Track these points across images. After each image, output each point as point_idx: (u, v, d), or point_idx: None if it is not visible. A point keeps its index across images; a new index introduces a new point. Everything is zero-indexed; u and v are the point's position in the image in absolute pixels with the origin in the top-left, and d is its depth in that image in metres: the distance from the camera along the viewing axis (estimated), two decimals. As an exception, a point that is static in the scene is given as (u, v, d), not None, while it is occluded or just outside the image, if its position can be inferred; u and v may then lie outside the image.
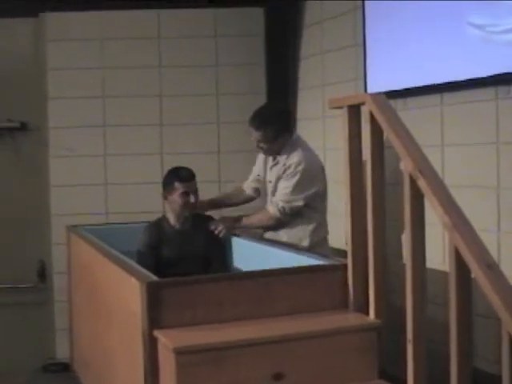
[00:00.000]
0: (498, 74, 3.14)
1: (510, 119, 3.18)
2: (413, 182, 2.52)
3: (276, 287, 2.86)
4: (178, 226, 3.77)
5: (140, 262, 3.35)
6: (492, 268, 2.18)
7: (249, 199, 4.14)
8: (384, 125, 2.69)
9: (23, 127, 4.94)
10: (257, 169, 4.05)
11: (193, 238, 3.76)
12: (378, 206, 2.80)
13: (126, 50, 4.91)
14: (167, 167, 4.89)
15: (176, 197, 3.68)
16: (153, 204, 4.84)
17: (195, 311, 2.76)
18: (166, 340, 2.62)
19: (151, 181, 4.91)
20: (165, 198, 3.74)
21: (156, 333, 2.68)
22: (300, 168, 3.68)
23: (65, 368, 4.80)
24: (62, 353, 4.88)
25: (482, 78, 3.23)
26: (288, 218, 3.73)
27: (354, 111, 2.88)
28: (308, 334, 2.72)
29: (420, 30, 3.63)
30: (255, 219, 3.85)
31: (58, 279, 4.87)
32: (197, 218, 3.83)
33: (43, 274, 4.98)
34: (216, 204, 4.17)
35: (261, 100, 4.87)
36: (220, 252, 3.86)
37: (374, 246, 2.81)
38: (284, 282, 2.88)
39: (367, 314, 2.87)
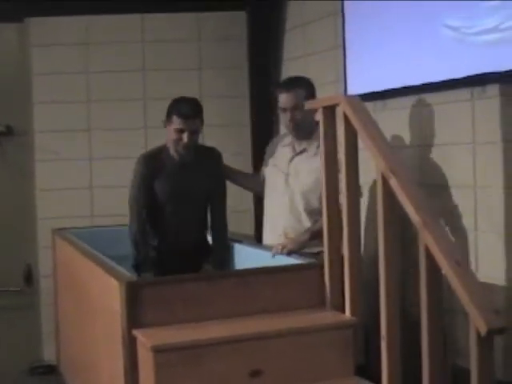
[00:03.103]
0: (474, 75, 3.18)
1: (486, 119, 3.22)
2: (385, 181, 2.57)
3: (254, 286, 2.90)
4: (177, 158, 3.42)
5: (132, 199, 3.36)
6: (460, 264, 2.23)
7: (261, 182, 3.78)
8: (357, 125, 2.73)
9: (9, 131, 4.96)
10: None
11: (193, 172, 3.45)
12: (352, 205, 2.84)
13: (110, 54, 4.93)
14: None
15: (171, 130, 3.36)
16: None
17: (174, 310, 2.79)
18: (145, 339, 2.65)
19: (136, 184, 4.94)
20: (164, 125, 3.41)
21: (135, 332, 2.72)
22: None
23: (51, 370, 4.82)
24: (48, 355, 4.90)
25: (458, 79, 3.28)
26: None
27: (329, 112, 2.93)
28: (285, 331, 2.76)
29: (398, 32, 3.67)
30: None
31: (44, 282, 4.89)
32: (199, 149, 3.49)
33: (30, 277, 4.99)
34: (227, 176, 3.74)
35: (244, 103, 4.92)
36: (220, 191, 3.58)
37: (349, 245, 2.85)
38: (262, 281, 2.92)
39: (344, 312, 2.91)
